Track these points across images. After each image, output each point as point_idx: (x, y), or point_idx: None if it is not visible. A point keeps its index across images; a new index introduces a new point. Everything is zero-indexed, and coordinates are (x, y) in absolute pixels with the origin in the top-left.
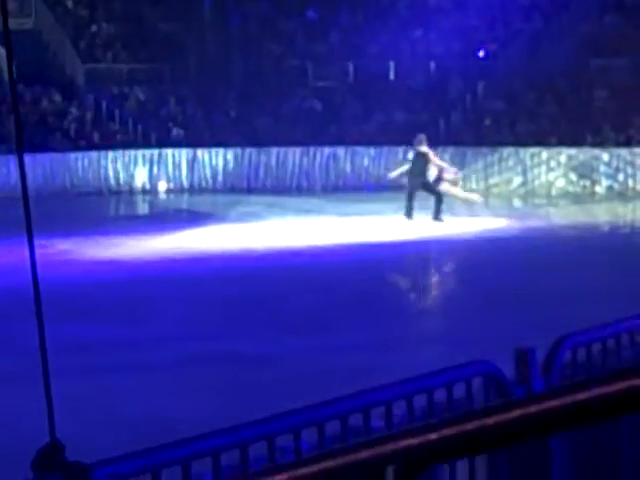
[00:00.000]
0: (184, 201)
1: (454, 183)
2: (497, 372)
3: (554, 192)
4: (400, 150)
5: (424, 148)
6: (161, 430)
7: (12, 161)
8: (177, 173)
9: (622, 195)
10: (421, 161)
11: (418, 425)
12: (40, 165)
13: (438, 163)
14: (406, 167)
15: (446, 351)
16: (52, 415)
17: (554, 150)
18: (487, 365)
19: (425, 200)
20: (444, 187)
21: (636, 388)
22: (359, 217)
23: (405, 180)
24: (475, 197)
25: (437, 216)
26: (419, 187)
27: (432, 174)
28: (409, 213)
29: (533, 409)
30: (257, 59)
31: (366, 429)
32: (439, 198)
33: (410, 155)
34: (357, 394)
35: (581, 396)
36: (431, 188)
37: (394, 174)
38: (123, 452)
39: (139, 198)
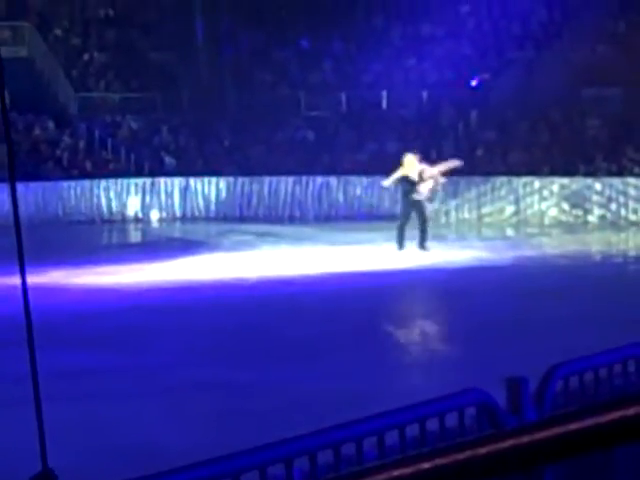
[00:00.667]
0: (176, 230)
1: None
2: (490, 401)
3: (547, 221)
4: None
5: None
6: (152, 459)
7: (4, 189)
8: (170, 202)
9: (615, 224)
10: (409, 181)
11: (411, 455)
12: (32, 193)
13: (431, 174)
14: (399, 173)
15: (438, 380)
16: (44, 443)
17: (547, 179)
18: (480, 394)
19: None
20: (425, 184)
21: (629, 418)
22: (351, 246)
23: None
24: (455, 162)
25: (422, 244)
26: (413, 207)
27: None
28: (401, 242)
29: (525, 439)
30: (250, 88)
31: (359, 458)
32: (425, 222)
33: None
34: (350, 423)
35: (574, 426)
36: (422, 209)
37: (388, 182)
38: None
39: (131, 227)
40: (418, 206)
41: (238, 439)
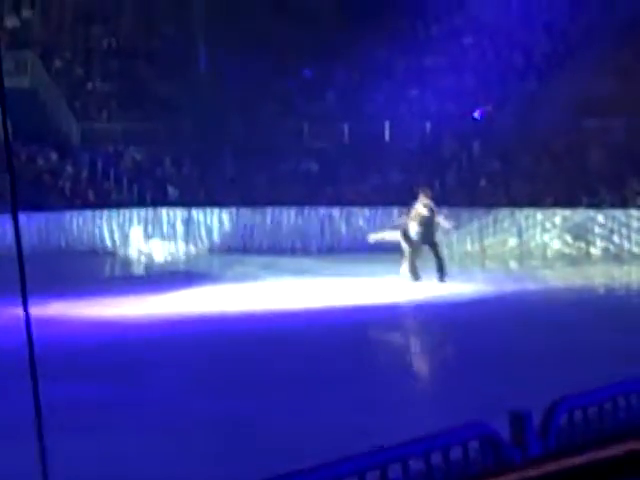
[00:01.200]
0: (179, 261)
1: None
2: (494, 435)
3: (549, 254)
4: (395, 211)
5: (430, 202)
6: None
7: (7, 220)
8: (172, 233)
9: (617, 257)
10: (430, 214)
11: None
12: (35, 224)
13: (437, 219)
14: (389, 232)
15: (441, 413)
16: (46, 475)
17: (549, 211)
18: (483, 427)
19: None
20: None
21: (633, 452)
22: (354, 278)
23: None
24: (449, 224)
25: (442, 277)
26: (429, 241)
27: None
28: (416, 274)
29: (531, 473)
30: (253, 119)
31: None
32: (440, 258)
33: (420, 208)
34: (354, 457)
35: (578, 460)
36: (436, 242)
37: (375, 236)
38: None
39: (134, 258)
40: (434, 244)
41: (242, 474)
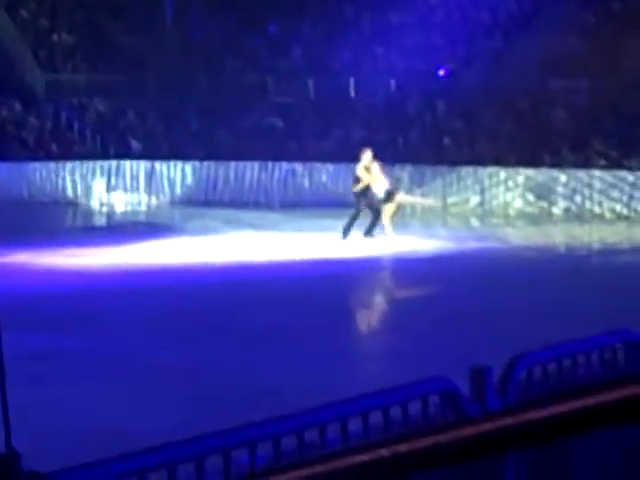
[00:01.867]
0: (141, 213)
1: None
2: (453, 389)
3: (512, 212)
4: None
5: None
6: (115, 442)
7: None
8: (135, 185)
9: (579, 217)
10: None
11: (372, 441)
12: None
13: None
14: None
15: (401, 368)
16: (8, 424)
17: (512, 170)
18: (443, 382)
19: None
20: (399, 197)
21: (590, 407)
22: (317, 233)
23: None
24: (432, 202)
25: (370, 232)
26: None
27: (378, 189)
28: (347, 232)
29: (488, 427)
30: (218, 74)
31: (322, 444)
32: (377, 215)
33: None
34: (313, 410)
35: (535, 415)
36: (375, 205)
37: (358, 187)
38: (78, 462)
39: (96, 210)
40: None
41: (202, 423)
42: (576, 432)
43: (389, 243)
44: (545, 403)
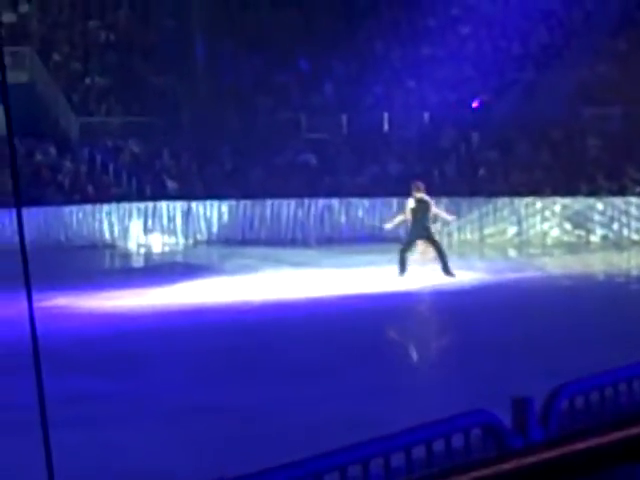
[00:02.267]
0: (179, 254)
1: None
2: (495, 422)
3: (549, 242)
4: (394, 201)
5: (424, 195)
6: None
7: (7, 215)
8: (172, 226)
9: (617, 244)
10: (423, 208)
11: (416, 476)
12: (34, 219)
13: (436, 211)
14: (402, 217)
15: (443, 401)
16: (51, 468)
17: (548, 200)
18: (485, 415)
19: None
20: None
21: (634, 438)
22: (354, 269)
23: (403, 229)
24: (450, 217)
25: (447, 270)
26: (422, 235)
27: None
28: (403, 267)
29: (530, 459)
30: (251, 112)
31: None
32: (441, 250)
33: (410, 203)
34: (356, 445)
35: (579, 446)
36: (433, 237)
37: (390, 225)
38: None
39: (134, 251)
40: (430, 235)
41: (241, 463)
42: (621, 463)
43: (427, 277)
44: (588, 434)
